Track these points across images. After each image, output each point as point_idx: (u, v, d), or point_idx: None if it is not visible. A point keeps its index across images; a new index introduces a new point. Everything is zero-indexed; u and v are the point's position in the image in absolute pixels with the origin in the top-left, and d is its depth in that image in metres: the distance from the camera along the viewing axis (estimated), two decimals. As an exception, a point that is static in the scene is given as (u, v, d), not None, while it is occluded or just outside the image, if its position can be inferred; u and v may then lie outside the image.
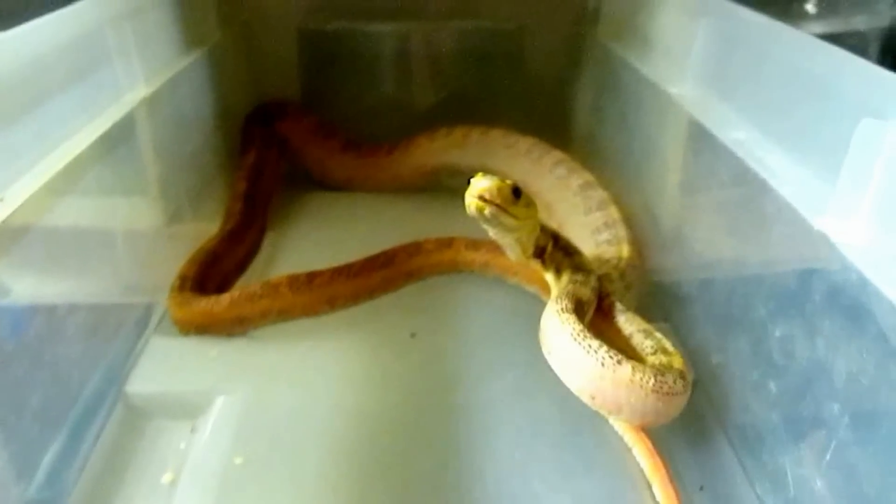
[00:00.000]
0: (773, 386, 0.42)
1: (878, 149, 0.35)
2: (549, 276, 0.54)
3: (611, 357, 0.42)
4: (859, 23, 0.73)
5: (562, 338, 0.44)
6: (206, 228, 0.70)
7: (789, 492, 0.40)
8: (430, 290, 0.65)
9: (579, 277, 0.51)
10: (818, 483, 0.37)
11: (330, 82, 0.88)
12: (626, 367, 0.42)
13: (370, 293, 0.63)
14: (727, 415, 0.49)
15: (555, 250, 0.54)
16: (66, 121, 0.50)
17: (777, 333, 0.42)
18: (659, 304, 0.61)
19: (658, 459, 0.47)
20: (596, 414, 0.50)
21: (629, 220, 0.64)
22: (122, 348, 0.56)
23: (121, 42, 0.57)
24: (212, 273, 0.63)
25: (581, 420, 0.50)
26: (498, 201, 0.44)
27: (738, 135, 0.50)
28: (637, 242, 0.62)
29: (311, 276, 0.60)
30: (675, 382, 0.42)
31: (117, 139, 0.55)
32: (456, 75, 0.90)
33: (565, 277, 0.52)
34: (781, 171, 0.44)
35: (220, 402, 0.52)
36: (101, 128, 0.53)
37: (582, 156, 0.74)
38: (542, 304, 0.60)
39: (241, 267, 0.68)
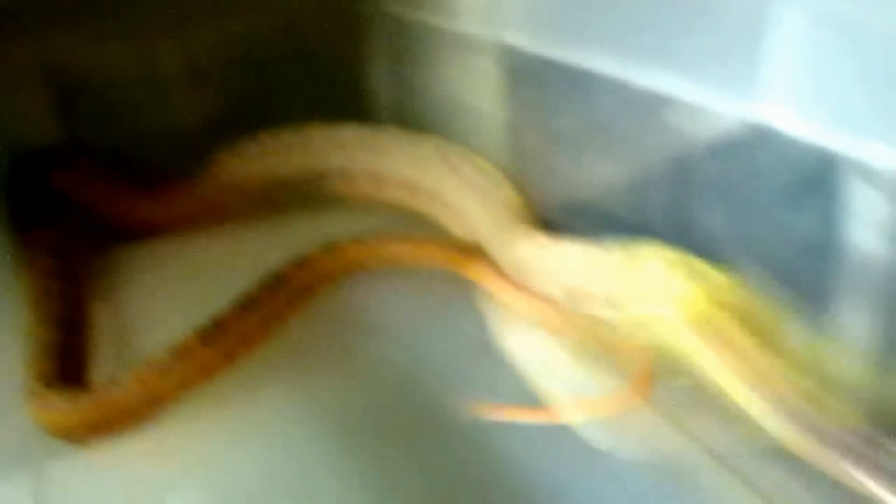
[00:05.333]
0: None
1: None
2: None
3: None
4: None
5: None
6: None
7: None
8: (335, 300, 0.59)
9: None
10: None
11: (93, 123, 0.74)
12: None
13: (280, 320, 0.54)
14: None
15: None
16: None
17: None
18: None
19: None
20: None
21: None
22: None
23: None
24: (69, 363, 0.50)
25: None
26: None
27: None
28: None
29: (220, 323, 0.50)
30: None
31: None
32: (234, 84, 0.81)
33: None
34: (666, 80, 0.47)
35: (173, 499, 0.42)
36: None
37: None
38: (459, 280, 0.58)
39: (85, 349, 0.54)
